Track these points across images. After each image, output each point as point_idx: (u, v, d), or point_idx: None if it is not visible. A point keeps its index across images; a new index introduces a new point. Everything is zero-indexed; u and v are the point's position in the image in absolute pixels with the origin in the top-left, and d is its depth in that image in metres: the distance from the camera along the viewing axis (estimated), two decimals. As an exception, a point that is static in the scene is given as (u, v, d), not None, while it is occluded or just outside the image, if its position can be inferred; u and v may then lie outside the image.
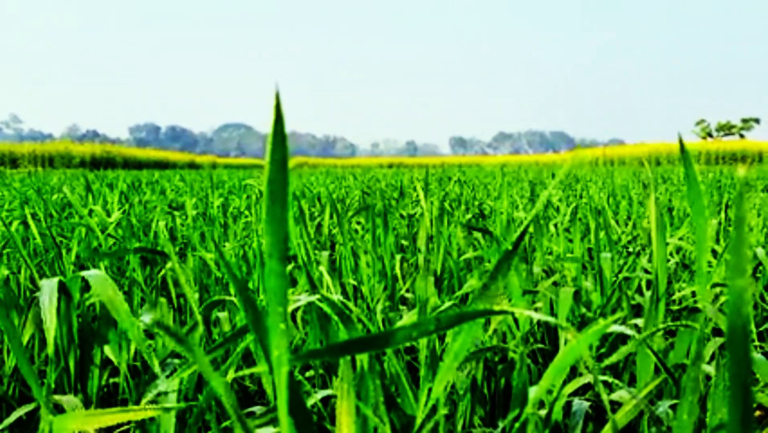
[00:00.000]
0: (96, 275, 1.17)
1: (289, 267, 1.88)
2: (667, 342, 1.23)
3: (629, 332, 0.94)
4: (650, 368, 1.10)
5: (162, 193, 5.57)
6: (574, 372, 1.33)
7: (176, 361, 1.18)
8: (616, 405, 1.15)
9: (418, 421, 0.72)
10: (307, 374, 1.42)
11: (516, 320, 1.36)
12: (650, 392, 0.92)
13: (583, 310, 1.62)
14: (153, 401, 0.92)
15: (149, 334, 1.55)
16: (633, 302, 1.65)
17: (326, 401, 1.24)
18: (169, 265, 1.75)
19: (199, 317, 1.05)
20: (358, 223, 3.01)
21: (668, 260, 2.08)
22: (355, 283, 1.88)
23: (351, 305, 1.08)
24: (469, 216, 3.14)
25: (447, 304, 1.14)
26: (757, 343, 1.76)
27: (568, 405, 1.07)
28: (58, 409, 0.98)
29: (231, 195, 5.06)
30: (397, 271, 1.88)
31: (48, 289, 1.17)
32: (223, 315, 1.51)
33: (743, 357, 0.33)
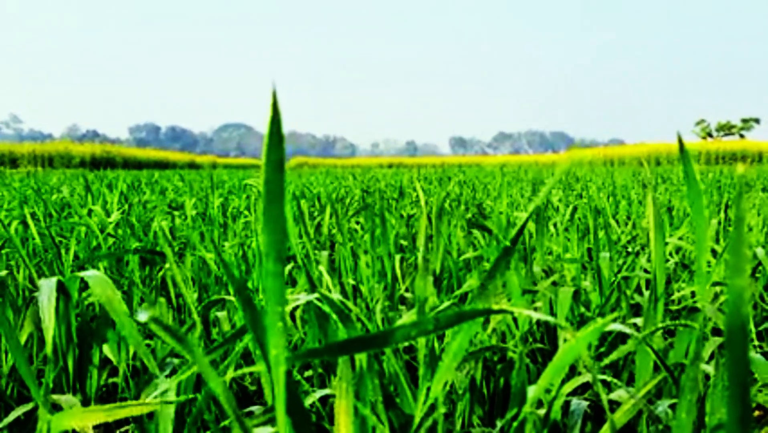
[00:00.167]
0: (95, 275, 1.17)
1: (289, 267, 1.88)
2: (667, 342, 1.23)
3: (628, 331, 0.94)
4: (649, 368, 1.10)
5: (162, 193, 5.57)
6: (573, 372, 1.33)
7: (175, 360, 1.18)
8: (615, 404, 1.15)
9: (417, 420, 0.71)
10: (306, 373, 1.42)
11: (515, 320, 1.36)
12: (649, 391, 0.92)
13: (582, 309, 1.62)
14: (152, 401, 0.92)
15: (150, 334, 1.55)
16: (632, 302, 1.65)
17: (325, 400, 1.24)
18: (168, 265, 1.75)
19: (197, 317, 1.05)
20: (358, 223, 3.01)
21: (667, 260, 2.08)
22: (354, 282, 1.88)
23: (350, 304, 1.08)
24: (468, 216, 3.14)
25: (446, 303, 1.14)
26: (756, 343, 1.76)
27: (566, 404, 1.07)
28: (57, 409, 0.98)
29: (230, 195, 5.06)
30: (397, 271, 1.88)
31: (47, 289, 1.17)
32: (222, 314, 1.51)
33: (742, 357, 0.33)
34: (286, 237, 0.47)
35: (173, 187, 6.67)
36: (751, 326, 1.74)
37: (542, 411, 0.82)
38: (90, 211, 2.74)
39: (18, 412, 1.05)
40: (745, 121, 53.53)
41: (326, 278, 1.62)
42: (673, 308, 1.69)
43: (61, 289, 1.26)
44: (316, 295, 0.89)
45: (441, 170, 15.74)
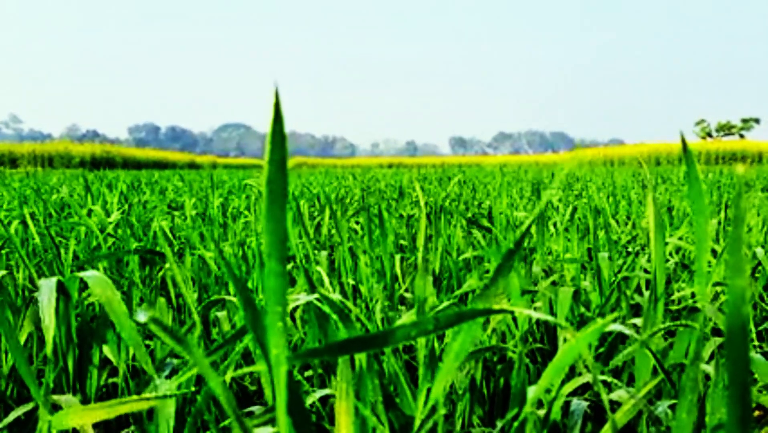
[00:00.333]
0: (94, 275, 1.17)
1: (288, 267, 1.88)
2: (667, 342, 1.23)
3: (628, 331, 0.94)
4: (649, 368, 1.10)
5: (161, 194, 5.57)
6: (573, 372, 1.33)
7: (175, 361, 1.18)
8: (615, 405, 1.15)
9: (417, 421, 0.71)
10: (306, 373, 1.42)
11: (515, 320, 1.36)
12: (649, 391, 0.92)
13: (582, 310, 1.62)
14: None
15: (150, 333, 1.55)
16: (632, 302, 1.65)
17: (325, 400, 1.24)
18: (168, 264, 1.75)
19: (197, 317, 1.05)
20: (357, 223, 3.01)
21: (667, 260, 2.08)
22: (354, 283, 1.88)
23: (350, 304, 1.08)
24: (468, 216, 3.14)
25: (445, 303, 1.14)
26: (756, 343, 1.76)
27: (566, 405, 1.07)
28: (57, 409, 0.98)
29: (230, 195, 5.06)
30: (397, 270, 1.88)
31: (47, 289, 1.17)
32: (222, 314, 1.51)
33: (742, 357, 0.33)
34: (287, 237, 0.47)
35: (173, 188, 6.67)
36: (751, 326, 1.74)
37: (542, 411, 0.82)
38: (90, 212, 2.74)
39: (18, 412, 1.05)
40: (745, 121, 53.52)
41: (325, 278, 1.62)
42: (673, 308, 1.69)
43: (61, 289, 1.26)
44: (316, 295, 0.89)
45: (441, 170, 15.73)
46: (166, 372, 1.14)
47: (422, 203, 1.30)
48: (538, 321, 1.57)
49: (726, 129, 54.07)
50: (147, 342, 1.54)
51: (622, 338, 1.47)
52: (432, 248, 1.81)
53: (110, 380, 1.46)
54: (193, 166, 46.34)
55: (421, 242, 1.17)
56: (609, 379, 1.02)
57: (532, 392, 0.76)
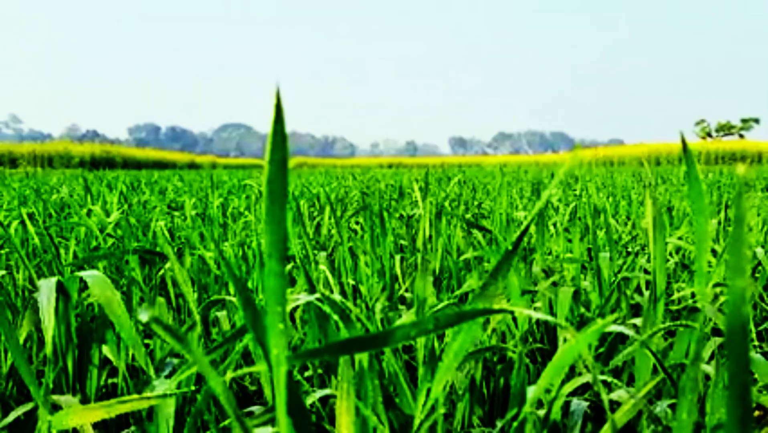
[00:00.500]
0: (94, 275, 1.17)
1: (288, 267, 1.88)
2: (667, 342, 1.23)
3: (628, 331, 0.94)
4: (649, 368, 1.10)
5: (161, 194, 5.57)
6: (572, 372, 1.33)
7: (175, 360, 1.18)
8: (615, 405, 1.15)
9: (417, 420, 0.71)
10: (306, 373, 1.42)
11: (515, 320, 1.36)
12: (649, 391, 0.92)
13: (582, 310, 1.62)
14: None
15: (149, 333, 1.55)
16: (632, 302, 1.65)
17: (325, 400, 1.24)
18: (168, 264, 1.75)
19: (197, 316, 1.05)
20: (357, 223, 3.02)
21: (667, 260, 2.08)
22: (354, 283, 1.88)
23: (350, 304, 1.08)
24: (468, 216, 3.14)
25: (444, 303, 1.14)
26: (756, 343, 1.76)
27: (566, 405, 1.07)
28: (57, 409, 0.98)
29: (230, 195, 5.06)
30: (397, 271, 1.88)
31: (46, 289, 1.17)
32: (222, 314, 1.51)
33: (742, 357, 0.33)
34: (287, 236, 0.47)
35: (173, 188, 6.67)
36: (751, 326, 1.74)
37: (542, 411, 0.82)
38: (89, 212, 2.74)
39: (18, 412, 1.05)
40: (744, 121, 53.52)
41: (328, 276, 1.62)
42: (674, 308, 1.69)
43: (61, 289, 1.26)
44: (317, 295, 0.89)
45: (441, 170, 15.73)
46: (166, 372, 1.14)
47: (422, 204, 1.30)
48: (538, 321, 1.57)
49: (726, 129, 54.07)
50: (146, 342, 1.54)
51: (622, 338, 1.47)
52: (432, 248, 1.81)
53: (110, 380, 1.46)
54: (193, 166, 46.35)
55: (421, 242, 1.17)
56: (609, 379, 1.02)
57: (532, 392, 0.76)
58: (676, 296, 1.77)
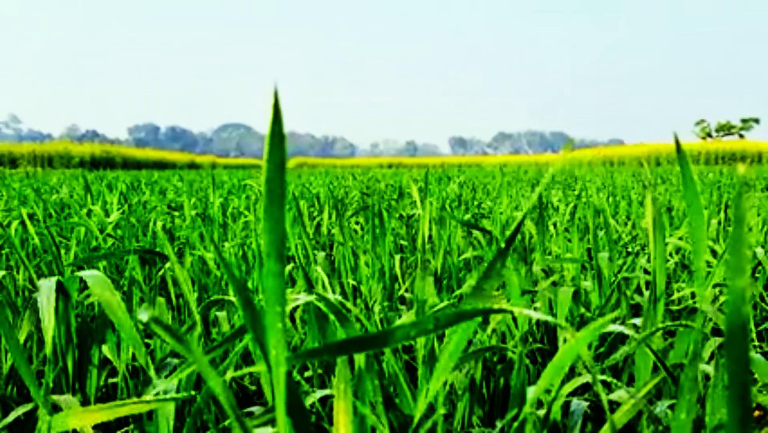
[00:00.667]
0: (94, 275, 1.17)
1: (289, 267, 1.88)
2: (667, 342, 1.23)
3: (628, 331, 0.94)
4: (649, 368, 1.10)
5: (161, 194, 5.57)
6: (572, 372, 1.33)
7: (175, 360, 1.18)
8: (614, 405, 1.15)
9: (416, 420, 0.71)
10: (306, 374, 1.41)
11: (515, 320, 1.36)
12: (649, 391, 0.92)
13: (582, 310, 1.62)
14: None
15: (149, 333, 1.55)
16: (632, 302, 1.65)
17: (324, 400, 1.24)
18: (167, 265, 1.75)
19: (197, 317, 1.05)
20: (357, 223, 3.01)
21: (667, 260, 2.08)
22: (354, 283, 1.88)
23: (350, 304, 1.08)
24: (468, 216, 3.14)
25: (444, 303, 1.14)
26: (756, 343, 1.76)
27: (566, 405, 1.07)
28: (57, 409, 0.98)
29: (230, 195, 5.06)
30: (397, 271, 1.88)
31: (46, 289, 1.17)
32: (221, 314, 1.51)
33: (742, 357, 0.33)
34: (286, 236, 0.47)
35: (173, 188, 6.66)
36: (751, 326, 1.74)
37: (542, 412, 0.81)
38: (89, 212, 2.74)
39: (18, 412, 1.05)
40: (744, 121, 53.50)
41: (323, 276, 1.62)
42: (674, 308, 1.69)
43: (61, 289, 1.26)
44: (316, 295, 0.89)
45: (441, 170, 15.73)
46: (166, 372, 1.14)
47: (420, 204, 1.30)
48: (538, 321, 1.57)
49: (726, 129, 54.05)
50: (146, 341, 1.54)
51: (622, 338, 1.47)
52: (432, 248, 1.81)
53: (110, 380, 1.46)
54: (192, 166, 46.35)
55: (421, 242, 1.17)
56: (609, 379, 1.02)
57: (532, 392, 0.76)
58: (676, 296, 1.77)
